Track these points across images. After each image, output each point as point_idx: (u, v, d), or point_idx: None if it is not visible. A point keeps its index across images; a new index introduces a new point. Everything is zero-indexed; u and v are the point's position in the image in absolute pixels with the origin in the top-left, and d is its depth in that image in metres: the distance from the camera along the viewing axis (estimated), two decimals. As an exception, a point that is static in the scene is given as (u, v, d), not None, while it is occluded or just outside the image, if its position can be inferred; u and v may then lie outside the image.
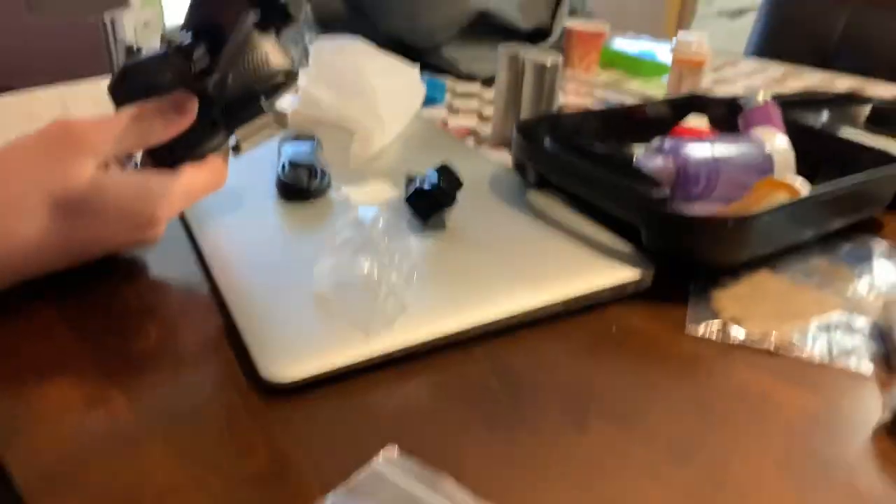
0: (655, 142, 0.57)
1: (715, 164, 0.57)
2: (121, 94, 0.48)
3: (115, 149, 0.44)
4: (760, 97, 0.66)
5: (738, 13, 2.45)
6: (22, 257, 0.43)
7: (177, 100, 0.47)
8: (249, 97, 0.50)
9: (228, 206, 0.56)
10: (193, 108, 0.47)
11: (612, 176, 0.51)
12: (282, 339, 0.41)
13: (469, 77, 0.99)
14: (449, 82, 0.98)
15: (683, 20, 2.26)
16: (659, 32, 2.21)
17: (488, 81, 0.99)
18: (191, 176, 0.48)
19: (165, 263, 0.51)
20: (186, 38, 0.43)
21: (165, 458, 0.34)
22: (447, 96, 0.92)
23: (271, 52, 0.51)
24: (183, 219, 0.55)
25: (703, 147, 0.57)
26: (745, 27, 2.45)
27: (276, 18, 0.42)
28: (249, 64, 0.50)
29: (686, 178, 0.56)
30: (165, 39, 0.47)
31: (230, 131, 0.50)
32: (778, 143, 0.60)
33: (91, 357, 0.41)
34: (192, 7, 0.44)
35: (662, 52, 1.18)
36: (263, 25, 0.46)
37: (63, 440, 0.35)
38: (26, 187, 0.42)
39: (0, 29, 0.84)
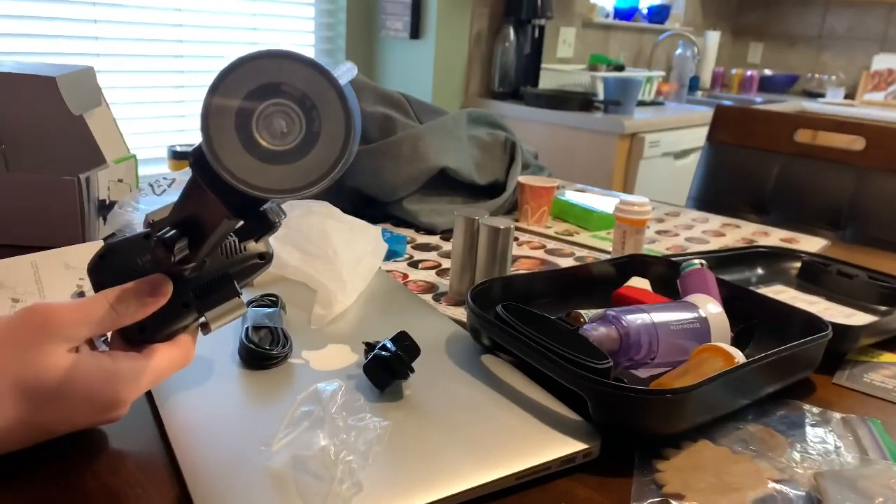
0: (599, 311, 0.61)
1: (655, 331, 0.61)
2: (100, 273, 0.50)
3: (87, 332, 0.46)
4: (696, 262, 0.72)
5: (683, 154, 2.63)
6: None
7: (153, 282, 0.48)
8: (224, 280, 0.51)
9: (191, 373, 0.57)
10: (168, 290, 0.48)
11: (558, 346, 0.55)
12: (237, 522, 0.42)
13: (428, 229, 1.05)
14: (409, 234, 1.03)
15: (631, 162, 2.41)
16: (608, 173, 2.36)
17: (447, 234, 1.04)
18: (160, 357, 0.49)
19: (125, 434, 0.52)
20: (169, 232, 0.44)
21: None
22: (407, 248, 0.97)
23: None
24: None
25: (643, 315, 0.61)
26: (689, 165, 2.63)
27: (257, 230, 0.44)
28: (227, 248, 0.53)
29: (628, 345, 0.59)
30: (148, 221, 0.50)
31: (201, 313, 0.51)
32: (711, 309, 0.65)
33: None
34: (177, 204, 0.46)
35: (606, 202, 1.26)
36: (244, 236, 0.48)
37: None
38: None
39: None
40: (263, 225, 0.42)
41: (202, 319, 0.51)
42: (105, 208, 0.91)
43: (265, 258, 0.54)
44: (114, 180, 0.94)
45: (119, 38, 1.94)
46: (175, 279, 0.49)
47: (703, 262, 0.72)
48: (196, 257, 0.46)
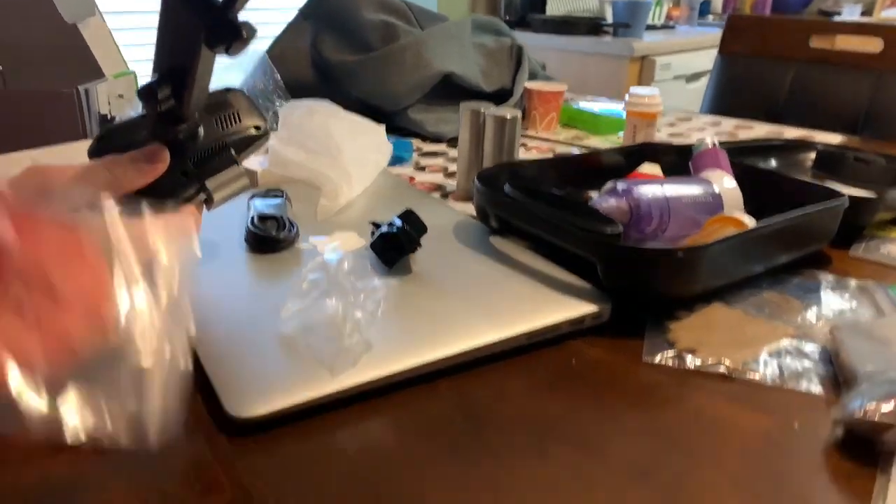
0: (609, 184, 0.60)
1: (666, 203, 0.59)
2: (99, 153, 0.50)
3: (86, 193, 0.46)
4: (708, 141, 0.70)
5: (694, 77, 2.56)
6: None
7: (149, 150, 0.48)
8: (221, 148, 0.52)
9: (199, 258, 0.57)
10: (165, 157, 0.49)
11: (568, 216, 0.53)
12: (247, 378, 0.42)
13: (435, 138, 1.03)
14: (416, 143, 1.01)
15: (642, 85, 2.35)
16: (619, 97, 2.31)
17: (454, 141, 1.02)
18: (167, 222, 0.49)
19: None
20: (152, 80, 0.45)
21: (130, 497, 0.34)
22: (414, 155, 0.95)
23: (243, 109, 0.54)
24: (152, 271, 0.56)
25: (655, 187, 0.60)
26: (701, 88, 2.56)
27: (225, 36, 0.44)
28: (221, 119, 0.53)
29: (639, 216, 0.58)
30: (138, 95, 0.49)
31: (202, 183, 0.51)
32: (726, 183, 0.63)
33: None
34: (155, 53, 0.46)
35: (615, 108, 1.23)
36: (212, 43, 0.48)
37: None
38: None
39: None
40: (232, 31, 0.42)
41: (204, 196, 0.51)
42: (106, 122, 0.90)
43: (261, 129, 0.54)
44: (114, 95, 0.92)
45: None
46: (172, 147, 0.49)
47: (716, 140, 0.70)
48: (184, 108, 0.46)
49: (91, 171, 0.47)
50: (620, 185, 0.59)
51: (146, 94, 0.45)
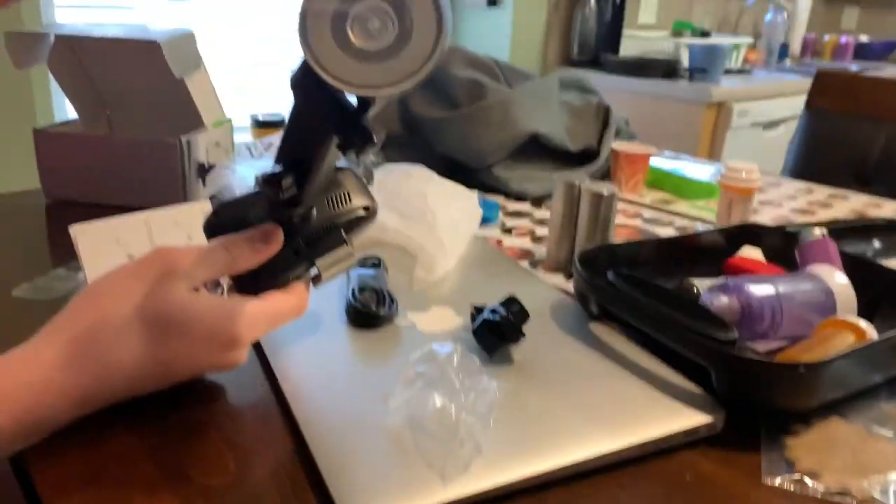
0: (719, 280, 0.58)
1: (778, 302, 0.57)
2: (214, 229, 0.51)
3: (205, 273, 0.47)
4: (817, 231, 0.67)
5: (772, 125, 2.50)
6: (116, 378, 0.45)
7: (265, 230, 0.50)
8: (331, 229, 0.53)
9: (300, 332, 0.58)
10: (280, 237, 0.50)
11: (679, 315, 0.52)
12: (359, 476, 0.42)
13: (519, 196, 1.02)
14: (500, 201, 1.01)
15: (718, 132, 2.31)
16: (694, 143, 2.27)
17: (538, 201, 1.02)
18: (275, 301, 0.50)
19: (241, 388, 0.52)
20: (277, 169, 0.47)
21: None
22: (500, 215, 0.95)
23: (353, 189, 0.55)
24: (257, 344, 0.57)
25: (766, 286, 0.58)
26: (780, 137, 2.51)
27: (357, 141, 0.45)
28: (333, 199, 0.54)
29: (751, 315, 0.56)
30: (258, 180, 0.50)
31: (311, 261, 0.52)
32: (838, 280, 0.61)
33: (172, 489, 0.42)
34: (282, 143, 0.48)
35: (701, 171, 1.21)
36: (345, 147, 0.49)
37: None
38: (123, 306, 0.45)
39: (87, 148, 0.91)
40: (365, 137, 0.43)
41: (314, 272, 0.52)
42: (204, 170, 0.93)
43: (370, 210, 0.54)
44: (211, 143, 0.95)
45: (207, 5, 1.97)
46: (285, 227, 0.50)
47: (825, 231, 0.67)
48: (303, 195, 0.48)
49: (211, 252, 0.48)
50: (731, 282, 0.57)
51: (271, 182, 0.47)
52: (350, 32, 0.38)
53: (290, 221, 0.51)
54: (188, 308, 0.46)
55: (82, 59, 1.01)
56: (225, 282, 0.55)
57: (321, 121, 0.43)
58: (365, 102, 0.43)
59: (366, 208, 0.55)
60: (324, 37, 0.38)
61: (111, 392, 0.45)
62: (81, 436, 0.45)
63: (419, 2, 0.37)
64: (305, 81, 0.42)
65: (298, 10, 0.38)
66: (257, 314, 0.48)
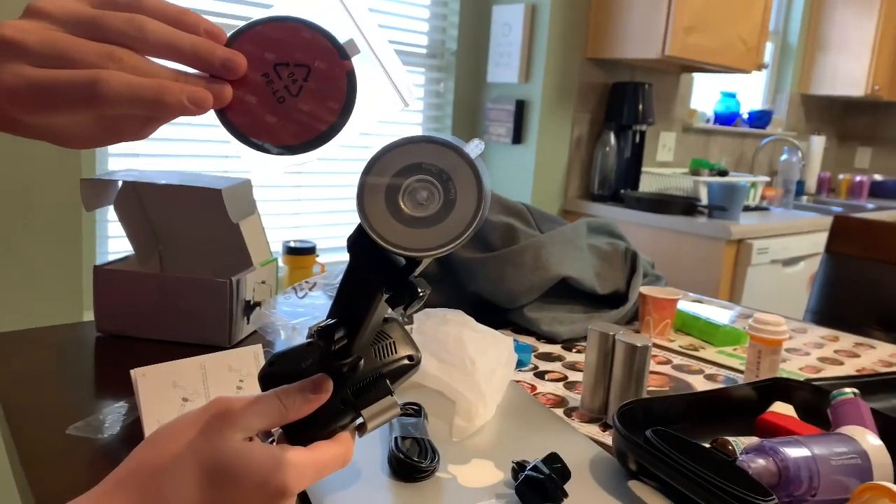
0: (754, 441, 0.60)
1: (815, 465, 0.58)
2: (269, 379, 0.54)
3: (260, 423, 0.50)
4: (849, 391, 0.69)
5: (791, 262, 2.55)
6: None
7: (315, 380, 0.52)
8: (377, 380, 0.55)
9: (344, 481, 0.59)
10: (329, 387, 0.53)
11: (718, 478, 0.53)
12: None
13: (549, 338, 1.05)
14: (531, 341, 1.04)
15: (739, 269, 2.35)
16: (715, 279, 2.31)
17: (568, 343, 1.05)
18: (322, 451, 0.52)
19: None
20: (328, 321, 0.50)
21: None
22: (531, 357, 0.98)
23: (398, 339, 0.58)
24: (303, 493, 0.58)
25: (802, 448, 0.59)
26: (799, 274, 2.54)
27: (405, 297, 0.48)
28: (379, 350, 0.57)
29: (788, 479, 0.57)
30: (311, 332, 0.54)
31: (358, 411, 0.55)
32: (872, 441, 0.62)
33: None
34: (336, 297, 0.51)
35: (723, 314, 1.24)
36: (393, 302, 0.53)
37: None
38: (182, 451, 0.47)
39: (142, 285, 0.97)
40: (412, 293, 0.46)
41: (359, 420, 0.54)
42: (249, 308, 0.98)
43: (414, 360, 0.57)
44: (258, 282, 1.00)
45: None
46: (334, 377, 0.53)
47: (857, 391, 0.69)
48: (353, 346, 0.51)
49: (265, 402, 0.51)
50: (767, 444, 0.59)
51: (325, 335, 0.50)
52: (401, 203, 0.43)
53: (340, 371, 0.54)
54: (242, 457, 0.48)
55: (143, 201, 1.09)
56: (275, 430, 0.58)
57: (373, 278, 0.47)
58: (413, 261, 0.47)
59: (410, 357, 0.58)
60: (378, 206, 0.43)
61: None
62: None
63: (462, 176, 0.42)
64: (360, 243, 0.46)
65: (356, 182, 0.43)
66: (306, 465, 0.50)
